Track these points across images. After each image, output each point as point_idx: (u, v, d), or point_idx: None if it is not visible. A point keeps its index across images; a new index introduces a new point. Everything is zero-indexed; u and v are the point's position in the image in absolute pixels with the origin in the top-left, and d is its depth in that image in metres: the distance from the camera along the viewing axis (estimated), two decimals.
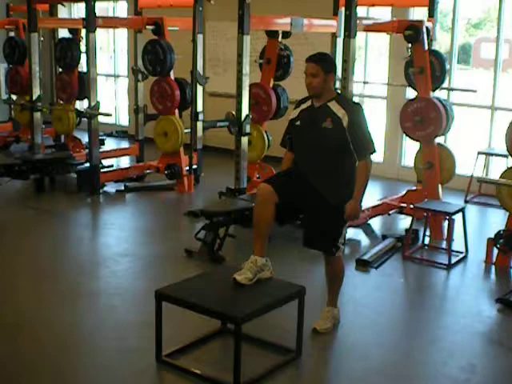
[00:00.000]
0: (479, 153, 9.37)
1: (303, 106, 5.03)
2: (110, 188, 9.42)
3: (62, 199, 9.11)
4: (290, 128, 5.08)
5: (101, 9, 11.41)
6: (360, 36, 7.20)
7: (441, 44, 9.61)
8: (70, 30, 10.81)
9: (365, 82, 10.70)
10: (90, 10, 8.82)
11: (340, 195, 4.85)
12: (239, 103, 7.49)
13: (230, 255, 6.60)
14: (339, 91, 4.93)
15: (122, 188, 9.42)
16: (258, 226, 4.78)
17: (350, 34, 6.77)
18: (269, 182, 4.86)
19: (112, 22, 11.02)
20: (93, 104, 9.01)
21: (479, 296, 6.15)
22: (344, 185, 4.87)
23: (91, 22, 8.83)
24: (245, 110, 7.50)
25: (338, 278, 5.18)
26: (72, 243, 7.54)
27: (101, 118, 9.27)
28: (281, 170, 5.12)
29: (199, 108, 9.12)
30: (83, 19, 8.95)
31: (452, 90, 9.38)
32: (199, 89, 9.16)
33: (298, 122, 5.00)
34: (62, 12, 13.60)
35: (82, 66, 10.54)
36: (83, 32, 9.40)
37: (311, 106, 4.95)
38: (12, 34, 12.06)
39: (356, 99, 7.72)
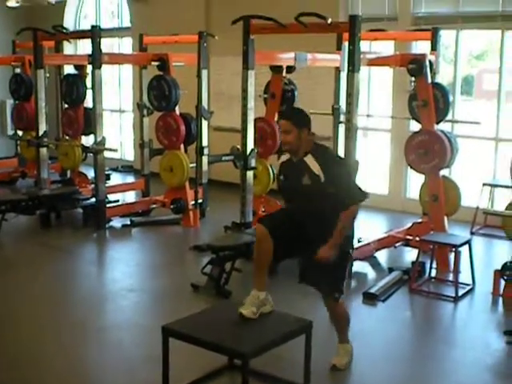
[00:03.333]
0: (484, 184, 9.37)
1: (283, 158, 5.05)
2: (116, 223, 9.44)
3: (68, 234, 9.12)
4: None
5: (106, 44, 11.50)
6: (363, 69, 7.25)
7: (443, 76, 9.66)
8: (76, 66, 10.90)
9: (368, 115, 10.74)
10: (96, 46, 8.90)
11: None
12: (244, 137, 7.52)
13: (237, 289, 6.58)
14: (316, 142, 4.88)
15: (128, 223, 9.44)
16: (258, 260, 4.78)
17: (353, 68, 6.82)
18: (264, 224, 4.80)
19: (118, 59, 11.14)
20: (99, 139, 9.05)
21: (487, 328, 6.13)
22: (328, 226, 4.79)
23: (97, 58, 8.91)
24: (250, 145, 7.53)
25: (343, 321, 5.17)
26: (79, 278, 7.54)
27: (106, 153, 9.31)
28: (279, 209, 5.12)
29: (204, 142, 9.17)
30: (89, 55, 9.03)
31: (456, 122, 9.41)
32: (204, 123, 9.23)
33: (281, 177, 5.03)
34: (68, 48, 13.74)
35: (88, 102, 10.62)
36: (89, 68, 9.49)
37: (290, 160, 4.95)
38: (18, 70, 12.15)
39: (360, 132, 7.74)
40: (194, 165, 9.31)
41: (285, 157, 5.04)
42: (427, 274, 7.23)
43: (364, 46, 7.44)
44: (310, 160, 4.78)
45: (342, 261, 4.91)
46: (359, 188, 4.85)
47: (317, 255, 4.71)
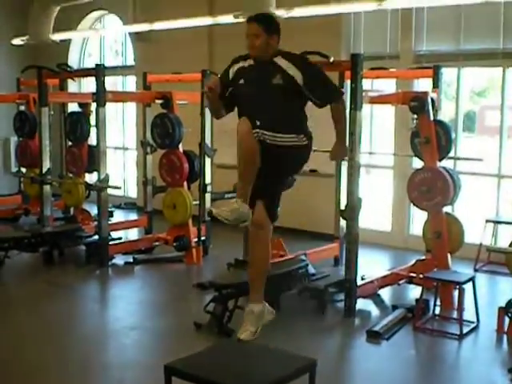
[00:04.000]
0: (487, 221, 9.36)
1: (242, 64, 4.93)
2: (119, 260, 9.43)
3: (71, 272, 9.09)
4: (229, 87, 4.95)
5: (110, 82, 11.59)
6: (365, 107, 7.29)
7: (445, 113, 9.70)
8: (80, 104, 10.98)
9: (371, 153, 10.78)
10: (100, 84, 8.97)
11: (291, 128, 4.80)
12: None
13: (240, 328, 6.55)
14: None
15: (131, 260, 9.42)
16: (254, 270, 4.74)
17: (356, 106, 6.87)
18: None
19: (122, 97, 11.23)
20: (102, 177, 9.08)
21: (492, 366, 6.08)
22: (294, 122, 4.88)
23: (101, 96, 8.98)
24: None
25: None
26: (81, 316, 7.52)
27: (110, 191, 9.33)
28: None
29: (207, 180, 9.21)
30: (93, 93, 9.10)
31: (458, 159, 9.43)
32: (207, 161, 9.27)
33: (241, 81, 4.90)
34: (72, 86, 13.85)
35: (92, 139, 10.69)
36: (93, 106, 9.56)
37: (254, 64, 4.88)
38: (22, 107, 12.24)
39: (363, 170, 7.75)
40: (197, 202, 9.33)
41: (238, 65, 4.96)
42: (431, 312, 7.18)
43: (366, 84, 7.48)
44: (281, 62, 4.74)
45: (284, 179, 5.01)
46: (335, 84, 4.97)
47: (332, 154, 5.15)
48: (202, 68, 9.52)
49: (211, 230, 9.75)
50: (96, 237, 9.45)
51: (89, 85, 14.10)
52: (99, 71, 9.03)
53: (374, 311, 7.50)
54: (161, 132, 9.57)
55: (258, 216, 4.69)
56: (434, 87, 8.56)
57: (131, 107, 13.88)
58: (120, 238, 10.42)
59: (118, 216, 12.52)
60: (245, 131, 4.61)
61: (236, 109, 5.06)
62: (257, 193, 4.72)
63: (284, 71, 4.70)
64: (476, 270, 9.03)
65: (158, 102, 9.77)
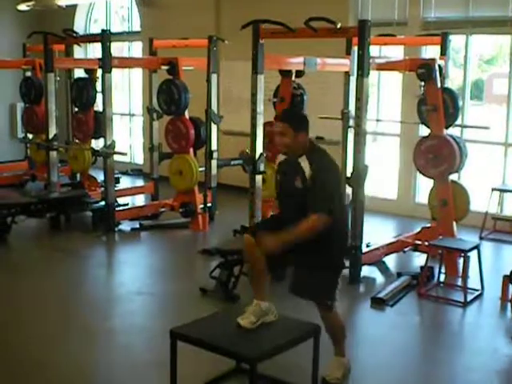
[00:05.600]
0: (493, 189, 9.34)
1: (281, 158, 4.99)
2: (125, 226, 9.46)
3: (77, 237, 9.13)
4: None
5: (116, 48, 11.53)
6: (373, 74, 7.26)
7: (453, 80, 9.65)
8: (86, 70, 10.94)
9: (378, 120, 10.74)
10: (106, 50, 8.93)
11: (321, 258, 4.71)
12: (253, 142, 7.53)
13: (245, 293, 6.56)
14: (315, 144, 4.81)
15: (137, 226, 9.46)
16: (253, 271, 4.76)
17: (363, 72, 6.84)
18: (252, 233, 4.74)
19: (128, 63, 11.19)
20: (108, 143, 9.08)
21: (496, 334, 6.12)
22: (324, 248, 4.69)
23: (107, 62, 8.95)
24: (259, 149, 7.54)
25: (338, 332, 5.00)
26: (87, 281, 7.58)
27: (116, 157, 9.34)
28: (267, 219, 4.99)
29: (214, 146, 9.20)
30: (99, 59, 9.07)
31: (465, 127, 9.40)
32: (214, 127, 9.25)
33: (278, 177, 4.97)
34: (78, 52, 13.80)
35: (98, 106, 10.67)
36: (99, 72, 9.53)
37: (286, 160, 4.92)
38: (28, 73, 12.22)
39: (369, 137, 7.74)
40: (203, 169, 9.33)
41: (284, 156, 4.98)
42: (436, 279, 7.22)
43: (373, 50, 7.45)
44: (304, 162, 4.68)
45: (333, 272, 4.82)
46: (330, 207, 4.58)
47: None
48: (208, 34, 9.45)
49: (217, 197, 9.77)
50: (102, 203, 9.47)
51: (95, 51, 14.07)
52: (105, 37, 8.98)
53: (379, 278, 7.53)
54: (167, 98, 9.55)
55: None
56: (441, 54, 8.52)
57: (137, 73, 13.84)
58: (126, 204, 10.44)
59: (125, 182, 12.54)
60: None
61: None
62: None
63: (303, 173, 4.64)
64: (481, 238, 9.04)
65: (164, 68, 9.74)
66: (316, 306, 4.88)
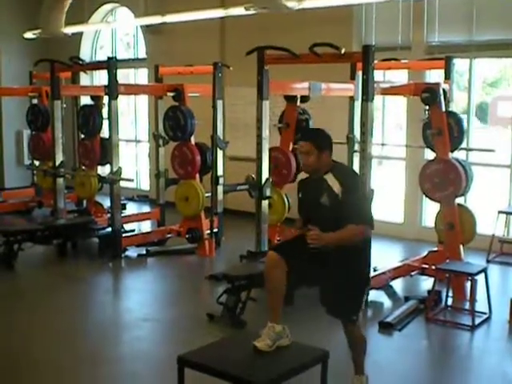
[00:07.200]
0: (499, 212, 9.34)
1: (302, 177, 4.99)
2: (132, 252, 9.47)
3: (84, 264, 9.15)
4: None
5: (122, 75, 11.62)
6: (377, 98, 7.29)
7: (457, 103, 9.67)
8: (92, 97, 11.01)
9: (383, 144, 10.76)
10: (112, 77, 9.00)
11: (351, 269, 4.72)
12: (259, 167, 7.56)
13: (252, 319, 6.56)
14: (336, 161, 4.83)
15: (144, 252, 9.46)
16: (271, 290, 4.75)
17: (367, 97, 6.87)
18: (276, 250, 4.75)
19: (134, 89, 11.25)
20: (115, 169, 9.12)
21: (504, 357, 6.09)
22: (353, 257, 4.72)
23: (113, 89, 9.00)
24: (265, 174, 7.57)
25: (360, 346, 5.07)
26: (94, 308, 7.57)
27: (122, 183, 9.37)
28: (291, 237, 5.04)
29: (220, 172, 9.22)
30: (105, 86, 9.13)
31: (470, 150, 9.41)
32: (219, 153, 9.28)
33: (300, 195, 4.96)
34: (84, 79, 13.90)
35: (104, 132, 10.72)
36: (105, 99, 9.59)
37: (309, 178, 4.90)
38: (35, 101, 12.30)
39: (375, 161, 7.76)
40: (210, 194, 9.35)
41: (303, 175, 4.99)
42: (443, 303, 7.19)
43: (378, 75, 7.48)
44: (330, 179, 4.67)
45: (363, 285, 4.88)
46: (372, 218, 4.73)
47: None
48: (213, 60, 9.52)
49: (223, 222, 9.77)
50: (109, 229, 9.49)
51: (101, 78, 14.16)
52: (111, 64, 9.05)
53: (387, 302, 7.51)
54: (173, 124, 9.60)
55: None
56: (445, 78, 8.54)
57: (143, 100, 13.92)
58: (133, 231, 10.45)
59: (131, 208, 12.57)
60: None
61: None
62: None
63: (331, 189, 4.64)
64: (488, 261, 9.02)
65: (170, 94, 9.80)
66: (341, 323, 4.92)
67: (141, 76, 14.35)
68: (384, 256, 8.82)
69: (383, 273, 7.67)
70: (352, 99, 8.74)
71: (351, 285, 4.75)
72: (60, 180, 10.21)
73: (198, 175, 9.75)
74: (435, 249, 8.24)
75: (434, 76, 9.78)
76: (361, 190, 4.82)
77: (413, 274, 7.93)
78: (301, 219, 4.98)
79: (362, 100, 6.92)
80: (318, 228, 4.63)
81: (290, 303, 6.27)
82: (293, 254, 4.69)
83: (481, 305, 6.99)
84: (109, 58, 9.33)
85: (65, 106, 10.94)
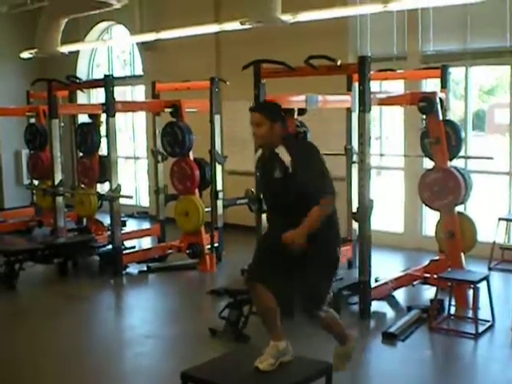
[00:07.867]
0: (500, 219, 9.33)
1: (258, 154, 4.89)
2: (133, 269, 9.46)
3: (85, 282, 9.13)
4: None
5: (119, 92, 11.64)
6: (374, 109, 7.30)
7: (455, 112, 9.69)
8: (90, 115, 11.03)
9: (381, 155, 10.77)
10: (110, 95, 9.01)
11: (319, 243, 4.63)
12: None
13: (255, 333, 6.55)
14: (291, 133, 4.75)
15: (145, 269, 9.45)
16: (263, 314, 4.74)
17: (364, 108, 6.88)
18: (250, 280, 4.73)
19: (131, 106, 11.27)
20: (114, 187, 9.12)
21: (509, 365, 6.07)
22: (321, 231, 4.61)
23: (111, 106, 9.02)
24: None
25: (334, 328, 5.00)
26: (96, 326, 7.55)
27: (122, 200, 9.37)
28: (257, 253, 4.89)
29: (219, 187, 9.23)
30: (103, 104, 9.16)
31: (469, 158, 9.42)
32: (218, 168, 9.29)
33: (258, 173, 4.91)
34: (82, 97, 13.92)
35: (102, 150, 10.73)
36: (103, 116, 9.60)
37: (263, 155, 4.82)
38: (33, 120, 12.32)
39: (374, 172, 7.76)
40: (209, 209, 9.35)
41: (258, 154, 4.90)
42: (446, 312, 7.17)
43: (374, 85, 7.50)
44: (281, 151, 4.60)
45: (332, 269, 4.81)
46: (330, 182, 4.58)
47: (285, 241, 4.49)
48: (210, 75, 9.55)
49: (224, 237, 9.77)
50: (109, 246, 9.49)
51: (98, 95, 14.18)
52: (108, 82, 9.07)
53: (389, 313, 7.50)
54: (171, 140, 9.62)
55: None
56: (442, 87, 8.55)
57: (141, 116, 13.93)
58: (133, 247, 10.44)
59: (131, 225, 12.55)
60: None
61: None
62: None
63: (282, 162, 4.57)
64: (490, 269, 9.00)
65: (168, 110, 9.81)
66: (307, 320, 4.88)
67: (138, 93, 14.36)
68: (385, 266, 8.82)
69: (385, 283, 7.66)
70: (349, 110, 8.76)
71: (321, 265, 4.66)
72: (59, 199, 10.21)
73: (197, 190, 9.75)
74: (436, 258, 8.23)
75: (431, 85, 9.79)
76: (315, 161, 4.62)
77: (415, 283, 7.92)
78: (249, 189, 4.95)
79: (359, 111, 6.93)
80: (277, 203, 4.62)
81: (291, 316, 6.24)
82: (266, 273, 4.64)
83: (484, 313, 6.97)
84: (105, 75, 9.35)
85: (62, 124, 10.94)
